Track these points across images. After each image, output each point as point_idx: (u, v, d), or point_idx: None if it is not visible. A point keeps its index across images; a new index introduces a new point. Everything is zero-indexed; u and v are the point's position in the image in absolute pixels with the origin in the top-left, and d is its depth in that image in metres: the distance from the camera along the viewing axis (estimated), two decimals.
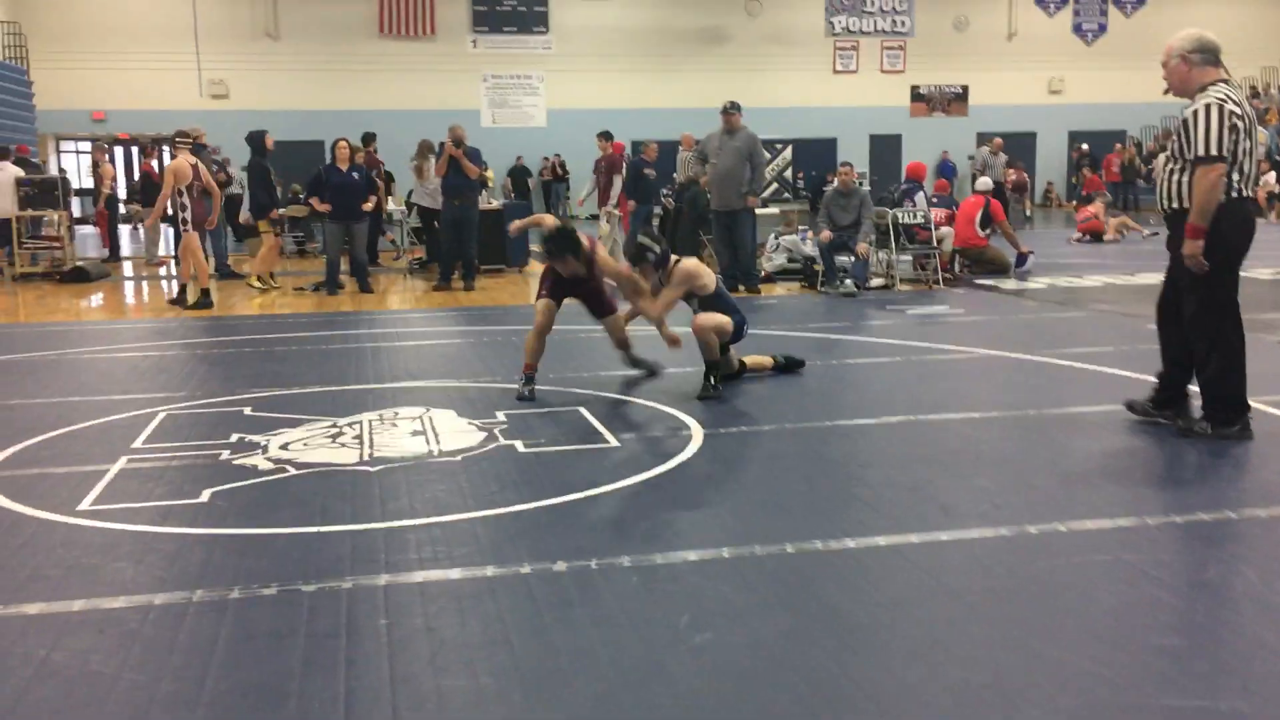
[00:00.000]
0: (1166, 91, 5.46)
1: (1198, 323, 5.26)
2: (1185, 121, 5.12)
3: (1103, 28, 32.02)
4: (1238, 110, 5.06)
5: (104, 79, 26.95)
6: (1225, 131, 4.98)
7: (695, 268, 6.72)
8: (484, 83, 29.21)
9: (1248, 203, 5.17)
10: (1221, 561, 3.70)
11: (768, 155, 21.39)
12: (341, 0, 28.08)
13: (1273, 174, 25.95)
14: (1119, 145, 28.93)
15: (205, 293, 11.33)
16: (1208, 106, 5.03)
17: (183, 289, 11.63)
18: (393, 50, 28.53)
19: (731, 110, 11.81)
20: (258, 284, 12.82)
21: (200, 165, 11.46)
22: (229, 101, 27.28)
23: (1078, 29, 31.96)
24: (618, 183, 14.52)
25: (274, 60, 27.92)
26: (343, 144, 12.60)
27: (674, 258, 6.72)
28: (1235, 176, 5.07)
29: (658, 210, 15.82)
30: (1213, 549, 3.84)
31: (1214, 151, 4.98)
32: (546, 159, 29.48)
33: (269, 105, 27.47)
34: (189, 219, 11.14)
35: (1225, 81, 5.18)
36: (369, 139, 16.26)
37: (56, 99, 25.93)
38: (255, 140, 13.20)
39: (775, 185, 26.02)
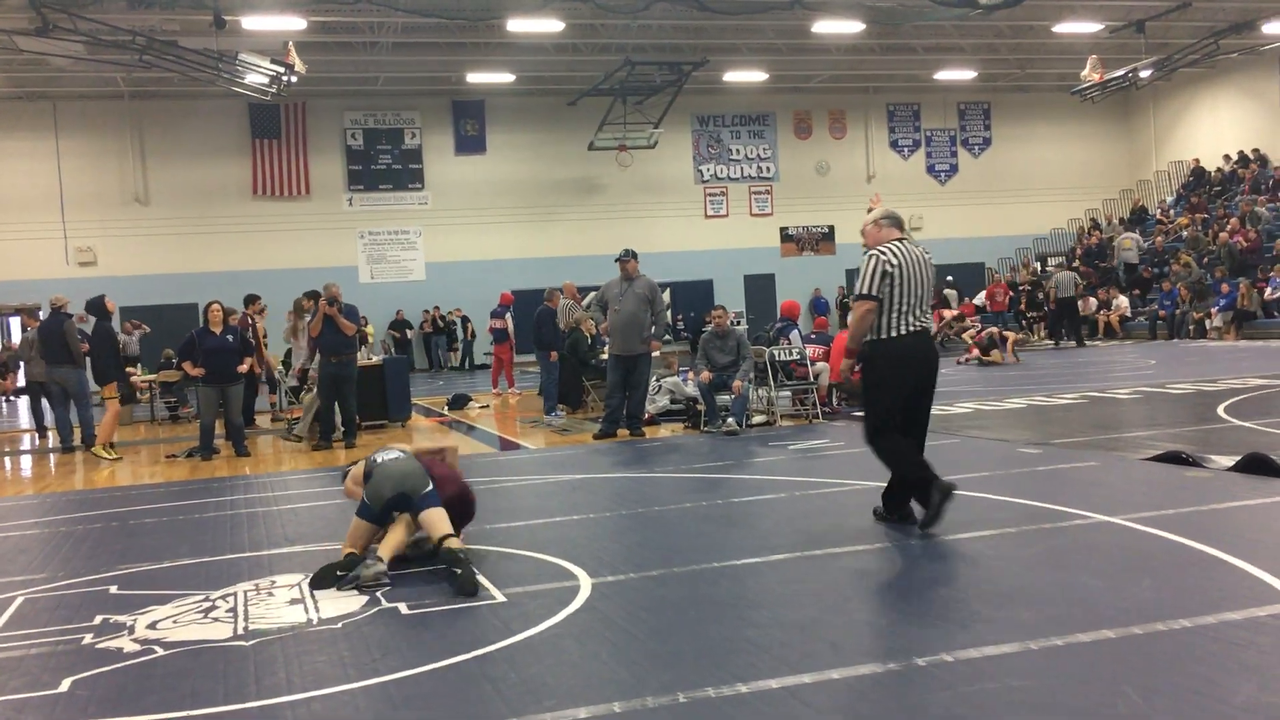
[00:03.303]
0: (866, 249, 6.43)
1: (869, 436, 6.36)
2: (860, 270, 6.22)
3: (954, 168, 33.92)
4: (893, 261, 6.09)
5: None
6: (878, 278, 6.09)
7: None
8: (361, 239, 29.34)
9: (909, 339, 6.12)
10: (1104, 683, 3.75)
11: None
12: (213, 164, 28.10)
13: (1124, 298, 27.47)
14: (1006, 273, 30.25)
15: None
16: (869, 257, 6.19)
17: None
18: (267, 211, 28.55)
19: (628, 258, 12.09)
20: (104, 453, 12.41)
21: None
22: (97, 268, 26.83)
23: (931, 169, 33.79)
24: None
25: (144, 225, 27.65)
26: (215, 307, 12.45)
27: None
28: (893, 317, 6.11)
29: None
30: (1094, 671, 3.89)
31: (863, 291, 6.14)
32: (426, 312, 29.54)
33: (139, 270, 27.11)
34: None
35: (900, 240, 6.27)
36: (250, 300, 16.03)
37: None
38: (96, 306, 13.02)
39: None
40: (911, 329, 6.13)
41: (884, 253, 6.12)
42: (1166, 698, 3.56)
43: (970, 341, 21.05)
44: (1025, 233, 33.66)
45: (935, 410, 12.68)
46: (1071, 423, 10.97)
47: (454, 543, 5.77)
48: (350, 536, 6.02)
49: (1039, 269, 30.30)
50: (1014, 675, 3.83)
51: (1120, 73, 26.71)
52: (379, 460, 6.19)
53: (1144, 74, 26.85)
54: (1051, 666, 3.94)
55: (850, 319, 6.17)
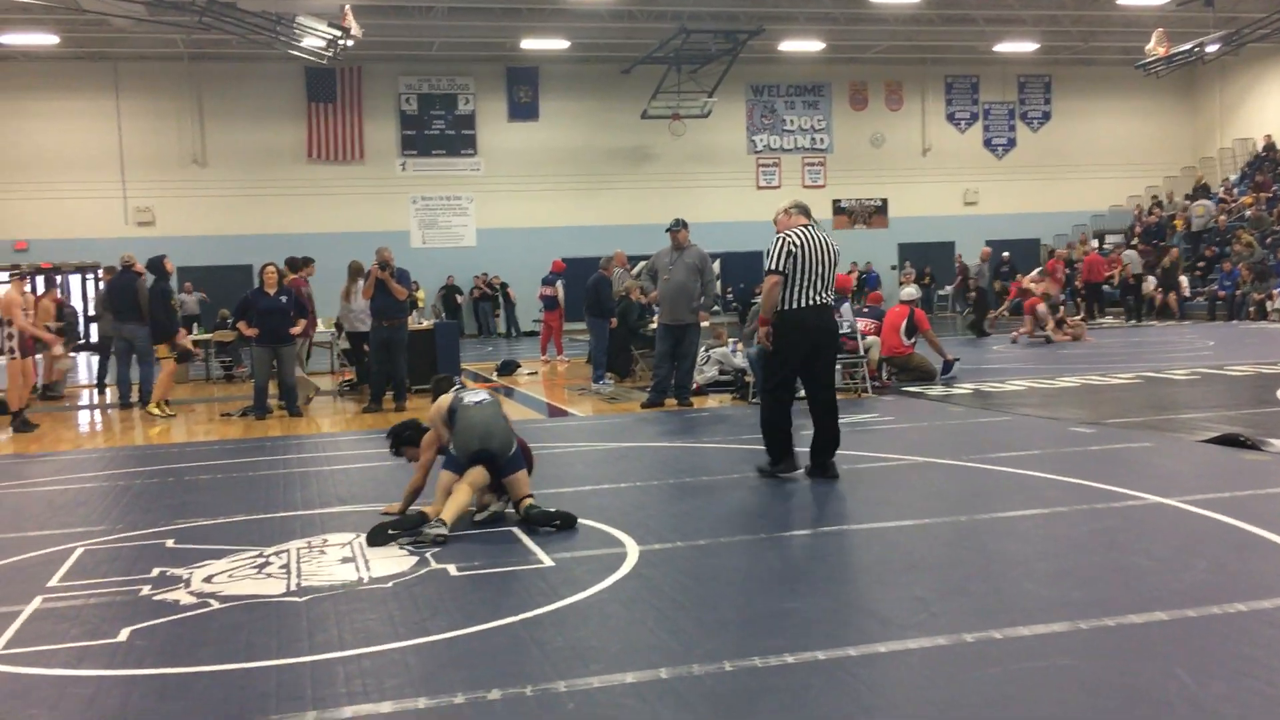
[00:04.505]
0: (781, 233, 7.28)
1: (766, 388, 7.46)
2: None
3: (1011, 142, 33.37)
4: (796, 243, 7.07)
5: (26, 208, 26.78)
6: (784, 256, 7.06)
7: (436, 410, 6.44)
8: (413, 204, 29.48)
9: (809, 311, 7.07)
10: (1154, 663, 3.72)
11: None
12: (269, 127, 28.32)
13: (1184, 278, 26.93)
14: (1066, 248, 29.70)
15: (17, 417, 11.66)
16: (776, 239, 7.16)
17: (13, 414, 11.80)
18: (322, 174, 28.75)
19: (679, 227, 12.03)
20: (157, 411, 12.63)
21: (29, 296, 12.25)
22: (155, 229, 27.19)
23: (988, 144, 33.26)
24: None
25: (201, 186, 27.96)
26: (270, 268, 12.58)
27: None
28: (795, 292, 7.05)
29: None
30: (1145, 651, 3.86)
31: (771, 267, 7.10)
32: (477, 278, 29.66)
33: (196, 231, 27.46)
34: (15, 347, 11.80)
35: (806, 226, 7.23)
36: (300, 264, 16.08)
37: None
38: (155, 265, 13.29)
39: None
40: (811, 303, 7.10)
41: (789, 235, 7.11)
42: (1219, 681, 3.52)
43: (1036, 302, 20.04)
44: (1083, 209, 33.08)
45: (985, 387, 12.71)
46: (1126, 403, 10.81)
47: (531, 503, 6.14)
48: (439, 492, 6.02)
49: (1096, 246, 29.78)
50: (1063, 654, 3.81)
51: (1186, 46, 26.06)
52: (465, 401, 6.26)
53: (1211, 48, 26.18)
54: (1102, 647, 3.91)
55: (763, 291, 7.23)
